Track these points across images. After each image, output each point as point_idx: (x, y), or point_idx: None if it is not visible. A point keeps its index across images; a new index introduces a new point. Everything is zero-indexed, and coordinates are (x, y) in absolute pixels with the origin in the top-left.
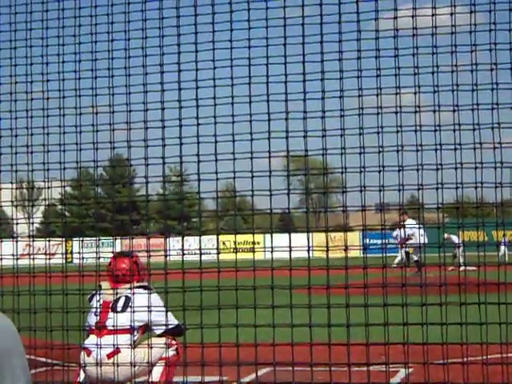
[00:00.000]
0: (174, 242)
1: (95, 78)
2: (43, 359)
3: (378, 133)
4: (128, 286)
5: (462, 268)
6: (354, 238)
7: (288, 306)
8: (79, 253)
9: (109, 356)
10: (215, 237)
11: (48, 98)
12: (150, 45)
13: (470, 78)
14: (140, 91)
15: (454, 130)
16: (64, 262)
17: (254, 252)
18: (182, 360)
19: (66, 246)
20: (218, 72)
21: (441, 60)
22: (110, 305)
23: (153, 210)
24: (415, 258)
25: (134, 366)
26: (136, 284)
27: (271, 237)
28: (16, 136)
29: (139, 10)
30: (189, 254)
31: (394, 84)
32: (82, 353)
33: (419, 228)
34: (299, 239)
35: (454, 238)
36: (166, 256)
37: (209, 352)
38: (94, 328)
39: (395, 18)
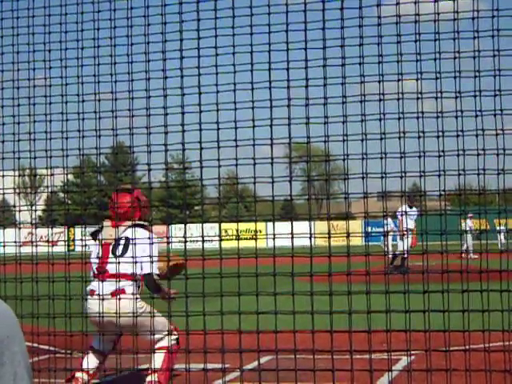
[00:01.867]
0: (176, 230)
1: (98, 65)
2: (46, 347)
3: (380, 119)
4: (128, 223)
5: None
6: (356, 226)
7: (290, 294)
8: (81, 240)
9: (113, 294)
10: (217, 225)
11: (50, 86)
12: (153, 31)
13: (472, 64)
14: (142, 78)
15: (456, 117)
16: (66, 249)
17: (256, 240)
18: (185, 347)
19: (68, 233)
20: (220, 59)
21: (443, 46)
22: (111, 248)
23: (155, 198)
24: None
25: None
26: (136, 222)
27: (273, 224)
28: (19, 123)
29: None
30: (191, 241)
31: (395, 70)
32: (86, 299)
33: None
34: (301, 227)
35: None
36: (168, 243)
37: (211, 339)
38: (96, 273)
39: (397, 3)
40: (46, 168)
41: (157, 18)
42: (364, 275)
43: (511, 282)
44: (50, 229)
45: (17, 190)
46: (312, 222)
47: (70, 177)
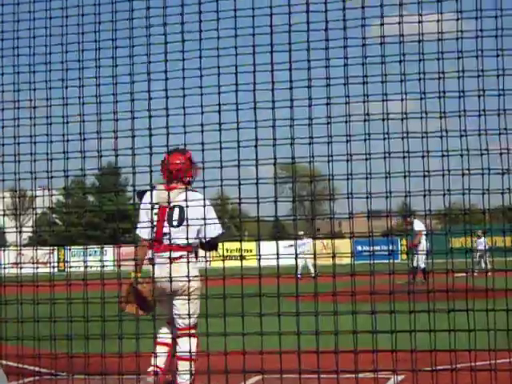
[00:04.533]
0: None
1: (82, 87)
2: (31, 367)
3: (365, 140)
4: (182, 187)
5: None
6: (346, 244)
7: (275, 314)
8: (66, 261)
9: (173, 260)
10: None
11: (35, 107)
12: (137, 53)
13: (457, 84)
14: (127, 99)
15: (441, 137)
16: (52, 270)
17: (241, 260)
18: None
19: (58, 254)
20: (205, 79)
21: (427, 67)
22: (166, 217)
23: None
24: (422, 266)
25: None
26: (188, 187)
27: (259, 244)
28: (3, 145)
29: (126, 18)
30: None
31: (380, 91)
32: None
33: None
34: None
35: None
36: (153, 265)
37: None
38: (150, 242)
39: (381, 24)
40: (32, 190)
41: (142, 40)
42: (350, 295)
43: (497, 300)
44: (35, 251)
45: (6, 212)
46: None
47: (61, 197)
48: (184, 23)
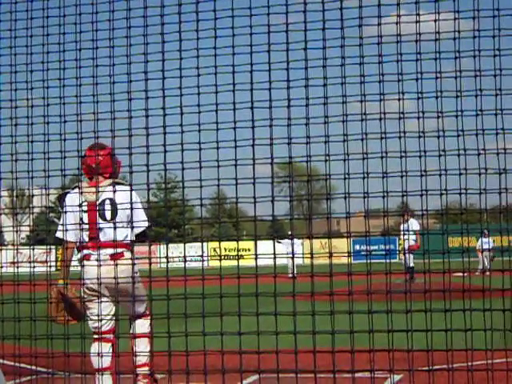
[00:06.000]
0: (165, 250)
1: (79, 86)
2: (28, 366)
3: (363, 139)
4: (107, 182)
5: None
6: (344, 244)
7: (272, 314)
8: (62, 261)
9: (112, 257)
10: (207, 243)
11: (32, 106)
12: (135, 52)
13: (454, 84)
14: (124, 99)
15: (438, 137)
16: (49, 269)
17: (238, 259)
18: (167, 368)
19: (56, 253)
20: (202, 79)
21: (425, 66)
22: (98, 212)
23: None
24: (411, 265)
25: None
26: (110, 181)
27: (255, 244)
28: (0, 144)
29: (123, 17)
30: (173, 261)
31: (378, 91)
32: (82, 265)
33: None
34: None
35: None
36: (150, 264)
37: (193, 360)
38: (85, 244)
39: (379, 24)
40: (28, 189)
41: (139, 39)
42: (347, 295)
43: (494, 300)
44: (32, 250)
45: (5, 210)
46: (300, 241)
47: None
48: (181, 14)
